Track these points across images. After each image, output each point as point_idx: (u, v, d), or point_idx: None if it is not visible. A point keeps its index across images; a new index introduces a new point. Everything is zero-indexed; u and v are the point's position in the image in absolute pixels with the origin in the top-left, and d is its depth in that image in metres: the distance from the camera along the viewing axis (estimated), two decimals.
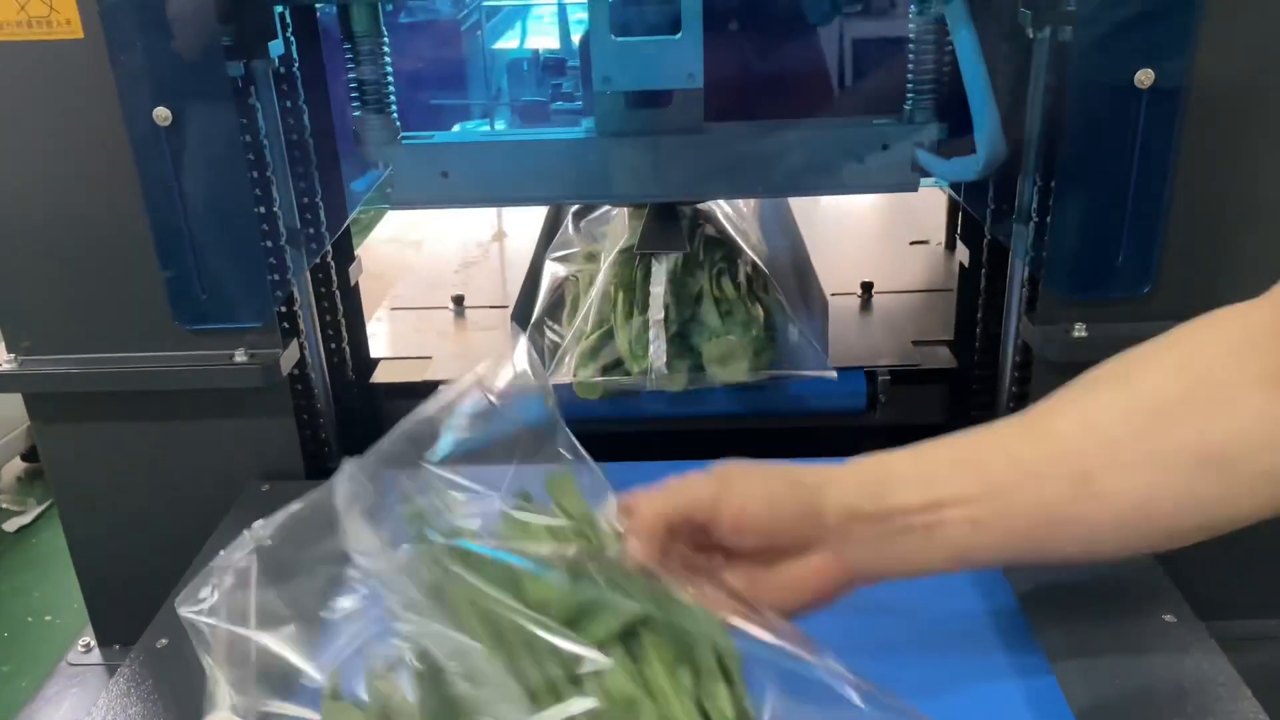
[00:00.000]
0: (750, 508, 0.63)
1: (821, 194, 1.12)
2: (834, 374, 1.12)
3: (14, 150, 0.90)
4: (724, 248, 1.20)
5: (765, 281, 1.19)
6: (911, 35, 1.01)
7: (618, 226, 1.25)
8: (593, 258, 1.23)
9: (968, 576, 0.88)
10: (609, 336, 1.14)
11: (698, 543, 0.65)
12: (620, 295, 1.15)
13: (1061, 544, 0.63)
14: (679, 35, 0.99)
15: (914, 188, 1.05)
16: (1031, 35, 0.91)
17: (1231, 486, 0.59)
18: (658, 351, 1.10)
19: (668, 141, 1.04)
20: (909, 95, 1.04)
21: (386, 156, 1.04)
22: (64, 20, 0.85)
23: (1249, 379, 0.59)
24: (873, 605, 0.79)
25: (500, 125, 1.78)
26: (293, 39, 1.00)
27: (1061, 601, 0.80)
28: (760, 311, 1.16)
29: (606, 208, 1.28)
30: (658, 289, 1.12)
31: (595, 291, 1.16)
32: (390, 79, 1.04)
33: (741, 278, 1.18)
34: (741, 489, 0.64)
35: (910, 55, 1.03)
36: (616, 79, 1.00)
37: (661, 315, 1.10)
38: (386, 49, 1.03)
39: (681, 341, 1.13)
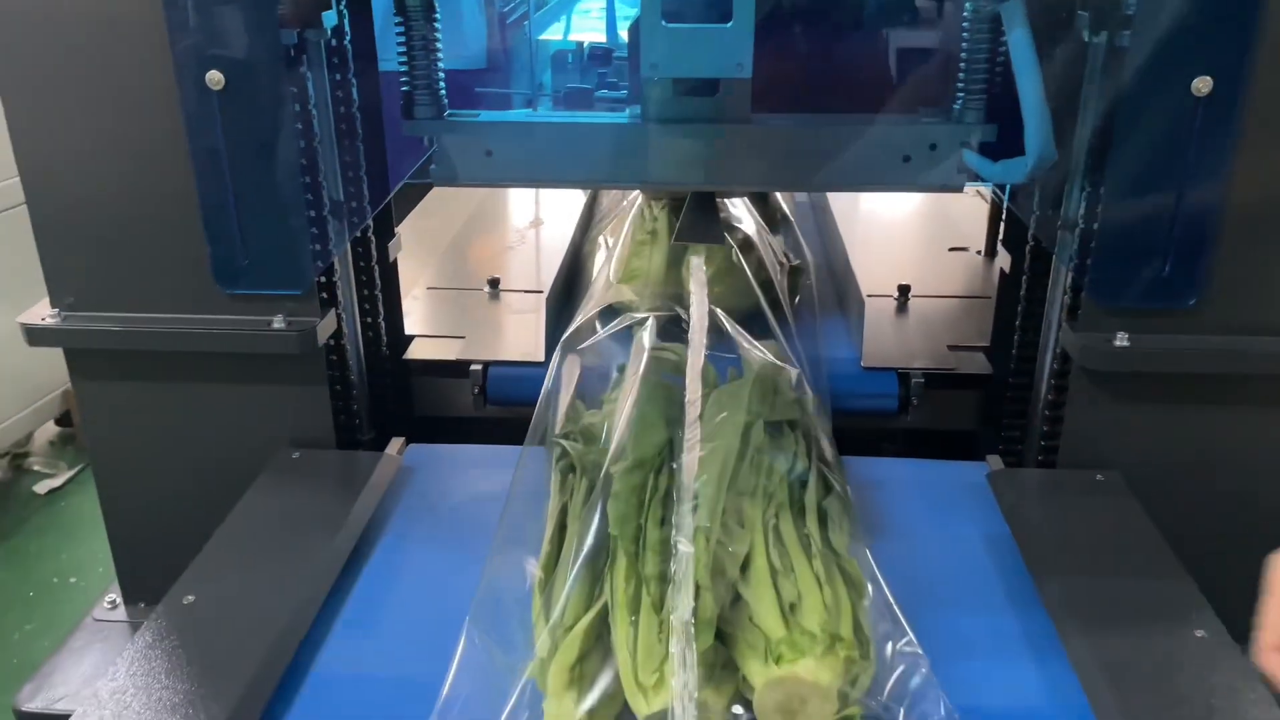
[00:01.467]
0: None
1: (866, 190, 1.07)
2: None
3: (68, 110, 0.91)
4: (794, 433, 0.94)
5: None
6: (964, 34, 1.00)
7: (624, 415, 0.90)
8: (591, 438, 0.93)
9: (997, 586, 0.88)
10: (601, 641, 0.75)
11: None
12: (623, 567, 0.77)
13: None
14: (729, 24, 0.99)
15: (960, 188, 1.03)
16: (1088, 39, 0.90)
17: None
18: (686, 697, 0.69)
19: (713, 130, 1.03)
20: (959, 95, 1.03)
21: (432, 132, 1.04)
22: None
23: None
24: (908, 610, 0.79)
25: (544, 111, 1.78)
26: (345, 11, 1.00)
27: (1092, 615, 0.79)
28: (843, 590, 0.77)
29: (617, 373, 1.05)
30: (685, 555, 0.74)
31: (585, 540, 0.80)
32: (440, 56, 1.04)
33: (811, 496, 0.85)
34: None
35: (962, 54, 1.01)
36: (665, 65, 1.00)
37: (690, 615, 0.71)
38: (438, 26, 1.03)
39: (719, 650, 0.74)
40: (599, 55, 1.58)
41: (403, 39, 1.01)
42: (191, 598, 0.82)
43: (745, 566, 0.77)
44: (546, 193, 1.80)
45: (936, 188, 1.03)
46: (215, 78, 0.88)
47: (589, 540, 0.79)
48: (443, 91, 1.04)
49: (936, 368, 1.19)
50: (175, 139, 0.91)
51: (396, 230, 1.21)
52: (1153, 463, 0.97)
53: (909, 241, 1.63)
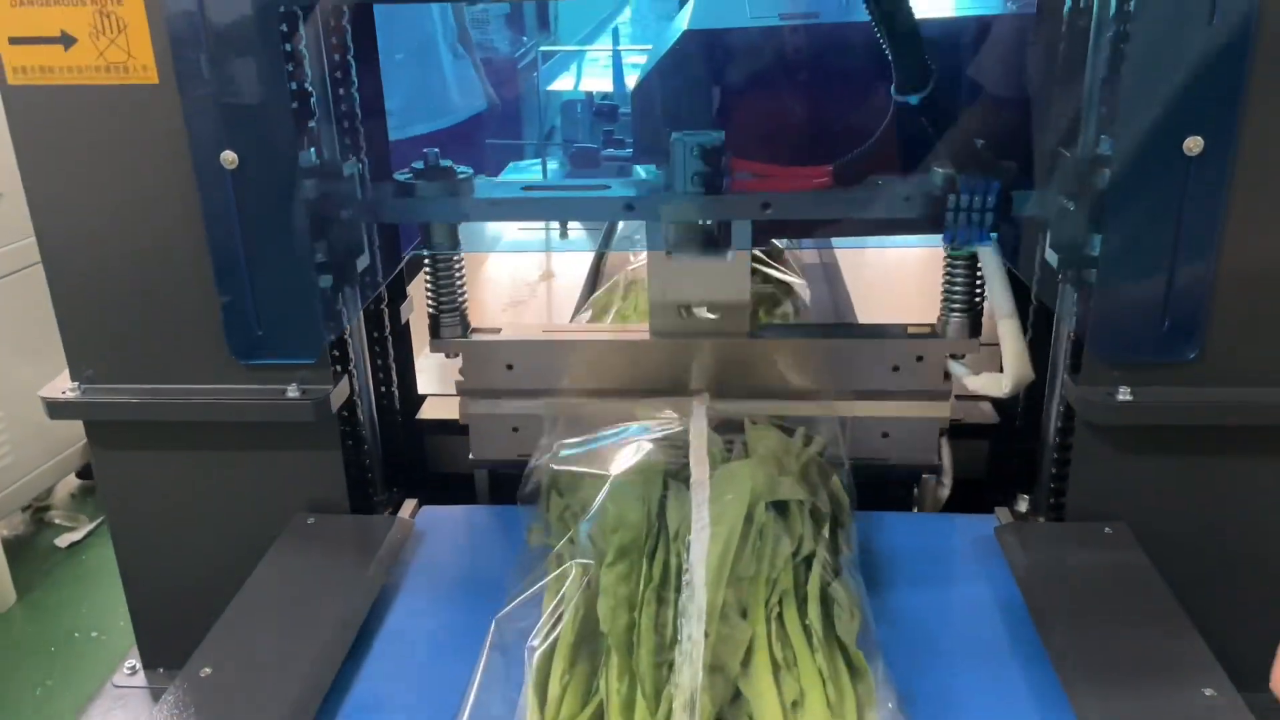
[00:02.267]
0: None
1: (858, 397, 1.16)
2: None
3: (87, 188, 0.94)
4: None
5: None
6: (945, 266, 1.09)
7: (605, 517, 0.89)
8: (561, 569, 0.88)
9: (1005, 642, 0.88)
10: None
11: None
12: (615, 665, 0.78)
13: None
14: (730, 257, 1.07)
15: (946, 396, 1.11)
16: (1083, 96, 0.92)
17: None
18: None
19: (717, 344, 1.10)
20: (942, 310, 1.11)
21: (458, 350, 1.13)
22: (140, 66, 0.89)
23: None
24: (912, 683, 0.80)
25: (552, 166, 1.82)
26: (356, 95, 1.03)
27: (1100, 672, 0.79)
28: (847, 686, 0.77)
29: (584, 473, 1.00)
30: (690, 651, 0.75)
31: (576, 630, 0.81)
32: (464, 289, 1.13)
33: (815, 583, 0.84)
34: None
35: (944, 280, 1.10)
36: (671, 292, 1.09)
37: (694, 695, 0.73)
38: (461, 268, 1.12)
39: None
40: (605, 112, 1.61)
41: (430, 274, 1.11)
42: (209, 669, 0.83)
43: (746, 660, 0.77)
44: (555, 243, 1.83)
45: (924, 396, 1.10)
46: (229, 157, 0.90)
47: (577, 631, 0.81)
48: (465, 311, 1.15)
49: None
50: (191, 217, 0.93)
51: (408, 292, 1.23)
52: (1160, 515, 0.97)
53: (915, 295, 1.64)
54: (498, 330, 1.15)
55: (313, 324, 0.97)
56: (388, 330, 1.18)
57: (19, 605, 2.45)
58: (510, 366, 1.12)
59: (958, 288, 1.09)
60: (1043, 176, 0.99)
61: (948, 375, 1.10)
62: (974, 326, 1.09)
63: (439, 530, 1.07)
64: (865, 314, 1.46)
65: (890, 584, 0.95)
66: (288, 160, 0.92)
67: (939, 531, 1.05)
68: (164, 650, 1.09)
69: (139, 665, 1.10)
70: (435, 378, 1.34)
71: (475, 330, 1.15)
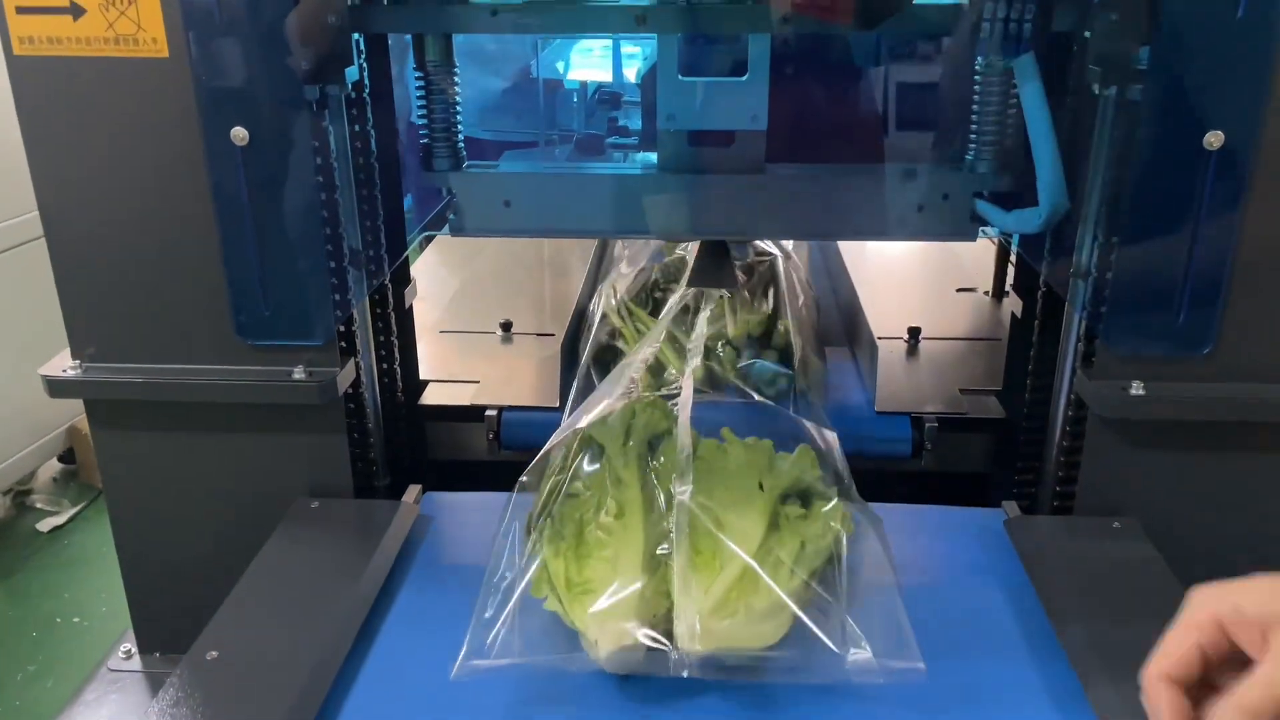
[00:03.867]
0: None
1: (879, 239, 1.08)
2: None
3: (93, 162, 0.92)
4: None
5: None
6: (977, 86, 1.02)
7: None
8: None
9: (1018, 635, 0.88)
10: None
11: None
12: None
13: None
14: (745, 78, 1.00)
15: (973, 238, 1.05)
16: (1098, 92, 0.91)
17: None
18: None
19: (728, 180, 1.05)
20: (971, 146, 1.04)
21: (451, 183, 1.06)
22: (150, 39, 0.88)
23: None
24: (937, 692, 0.79)
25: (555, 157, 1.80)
26: (365, 65, 1.02)
27: (1115, 665, 0.79)
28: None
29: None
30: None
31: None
32: (459, 109, 1.06)
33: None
34: None
35: (974, 106, 1.03)
36: (681, 118, 1.02)
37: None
38: (457, 79, 1.05)
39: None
40: (608, 99, 1.60)
41: (422, 94, 1.02)
42: (215, 653, 0.82)
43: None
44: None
45: (950, 237, 1.04)
46: (240, 134, 0.89)
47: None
48: (461, 144, 1.06)
49: (949, 411, 1.20)
50: (200, 194, 0.92)
51: (413, 276, 1.22)
52: (1170, 510, 0.98)
53: (917, 282, 1.64)
54: (495, 165, 1.09)
55: (322, 306, 0.96)
56: (392, 314, 1.16)
57: (0, 590, 2.42)
58: (508, 203, 1.06)
59: (989, 112, 0.99)
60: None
61: (975, 216, 1.03)
62: (1003, 161, 1.01)
63: (443, 516, 1.06)
64: (860, 286, 1.45)
65: (900, 576, 0.95)
66: (300, 138, 0.90)
67: (948, 524, 1.05)
68: (160, 634, 1.07)
69: (134, 649, 1.08)
70: (437, 363, 1.34)
71: (471, 164, 1.08)
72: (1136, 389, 0.93)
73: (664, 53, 1.01)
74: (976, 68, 0.99)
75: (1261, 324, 0.91)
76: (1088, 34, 0.92)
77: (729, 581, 0.80)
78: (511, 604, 0.82)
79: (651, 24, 0.96)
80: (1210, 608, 0.61)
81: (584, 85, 2.43)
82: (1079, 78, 0.94)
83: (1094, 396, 0.95)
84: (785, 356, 1.22)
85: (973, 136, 1.03)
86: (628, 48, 2.35)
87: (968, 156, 1.04)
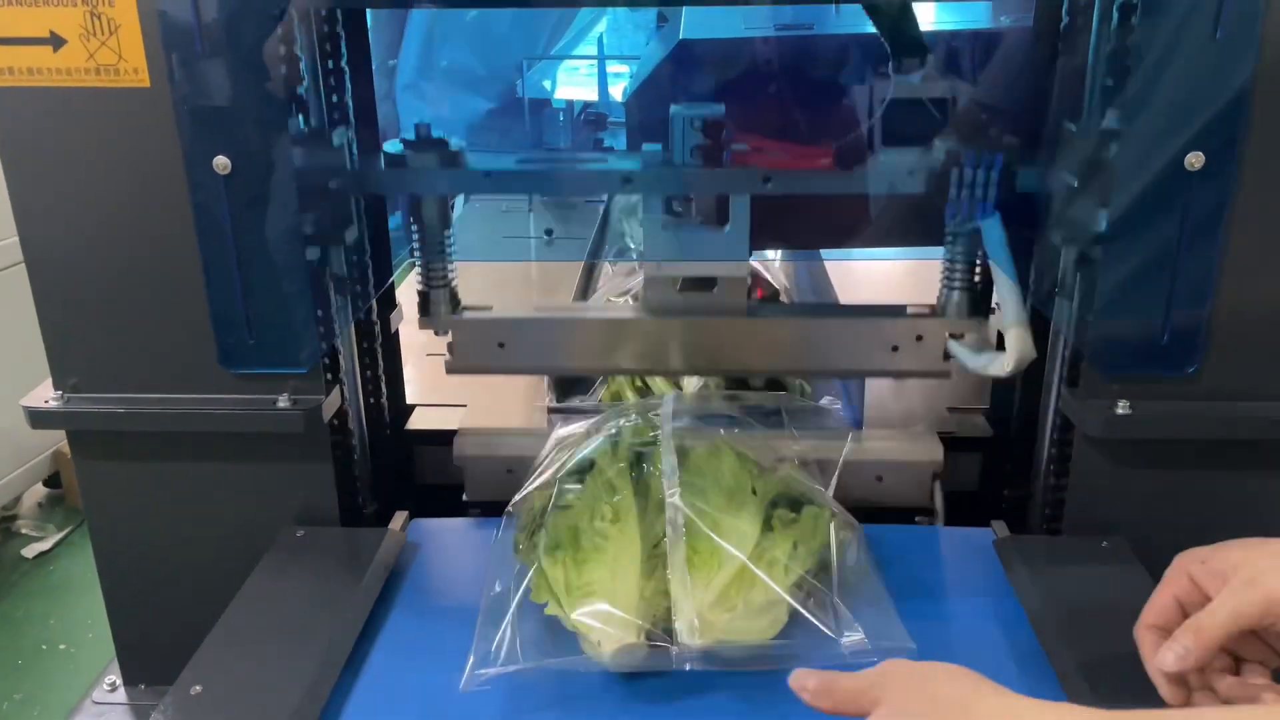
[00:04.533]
0: None
1: (857, 377, 1.14)
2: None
3: (74, 192, 0.92)
4: None
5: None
6: (947, 242, 1.06)
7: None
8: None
9: (1008, 655, 0.88)
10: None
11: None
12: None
13: None
14: (727, 228, 1.04)
15: (947, 375, 1.09)
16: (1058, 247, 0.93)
17: None
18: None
19: (713, 323, 1.08)
20: (942, 289, 1.09)
21: (448, 328, 1.10)
22: (131, 69, 0.87)
23: None
24: None
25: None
26: (350, 99, 1.02)
27: (1105, 684, 0.79)
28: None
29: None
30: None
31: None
32: (453, 264, 1.09)
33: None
34: None
35: (945, 258, 1.07)
36: (667, 265, 1.06)
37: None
38: (451, 236, 1.08)
39: None
40: (594, 119, 1.61)
41: (420, 249, 1.07)
42: (199, 688, 0.81)
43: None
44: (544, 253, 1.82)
45: (923, 374, 1.09)
46: (222, 163, 0.88)
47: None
48: (456, 288, 1.10)
49: (938, 431, 1.19)
50: (182, 223, 0.91)
51: (398, 301, 1.22)
52: (1157, 528, 0.98)
53: (903, 300, 1.64)
54: (489, 308, 1.11)
55: (306, 333, 0.95)
56: (378, 340, 1.16)
57: None
58: (502, 345, 1.09)
59: (959, 264, 1.05)
60: (1048, 152, 0.98)
61: (948, 355, 1.07)
62: (974, 305, 1.06)
63: (429, 543, 1.06)
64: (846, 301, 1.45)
65: (889, 596, 0.95)
66: (282, 166, 0.90)
67: (936, 544, 1.05)
68: (145, 666, 1.06)
69: (119, 681, 1.07)
70: (424, 388, 1.33)
71: (466, 308, 1.11)
72: (1122, 408, 0.93)
73: (650, 210, 1.06)
74: (946, 227, 1.04)
75: (1246, 343, 0.92)
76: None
77: (727, 577, 0.84)
78: (510, 613, 0.85)
79: (638, 186, 1.02)
80: (1184, 565, 0.77)
81: (570, 104, 2.43)
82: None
83: (1080, 416, 0.95)
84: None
85: (944, 284, 1.08)
86: (614, 67, 2.36)
87: (939, 299, 1.09)
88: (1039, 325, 1.08)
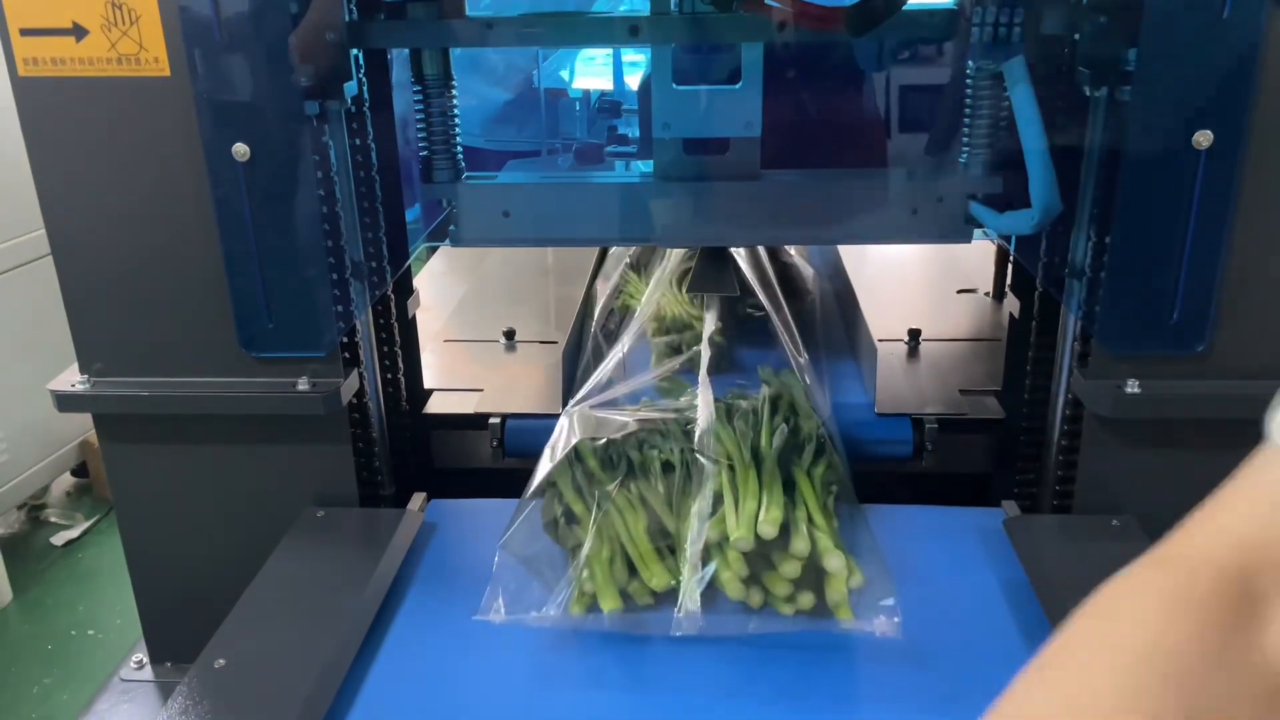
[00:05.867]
0: None
1: (874, 242, 1.09)
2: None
3: (98, 180, 0.94)
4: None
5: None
6: (969, 90, 1.03)
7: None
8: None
9: (1017, 634, 0.88)
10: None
11: None
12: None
13: None
14: (739, 85, 1.01)
15: (967, 240, 1.06)
16: (1089, 94, 0.92)
17: None
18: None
19: (724, 187, 1.06)
20: (964, 148, 1.05)
21: (451, 195, 1.07)
22: (152, 58, 0.89)
23: None
24: (936, 691, 0.80)
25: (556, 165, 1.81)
26: (364, 79, 1.03)
27: None
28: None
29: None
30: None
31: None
32: (457, 121, 1.07)
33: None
34: None
35: (966, 109, 1.04)
36: (676, 126, 1.03)
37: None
38: (454, 92, 1.06)
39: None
40: (609, 107, 1.61)
41: (420, 107, 1.04)
42: (222, 661, 0.83)
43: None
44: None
45: (944, 239, 1.05)
46: (241, 150, 0.90)
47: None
48: (460, 155, 1.07)
49: (949, 413, 1.20)
50: (203, 209, 0.93)
51: (415, 286, 1.23)
52: (1168, 507, 0.97)
53: (918, 283, 1.64)
54: (493, 176, 1.10)
55: (325, 317, 0.97)
56: (395, 324, 1.18)
57: (15, 604, 2.44)
58: (507, 214, 1.07)
59: (981, 115, 1.00)
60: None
61: (969, 219, 1.04)
62: (996, 164, 1.02)
63: (448, 523, 1.07)
64: (861, 288, 1.46)
65: (900, 577, 0.95)
66: (301, 153, 0.91)
67: (948, 524, 1.05)
68: (171, 645, 1.09)
69: (146, 659, 1.10)
70: (441, 372, 1.35)
71: (469, 175, 1.09)
72: (1132, 388, 0.94)
73: (658, 62, 1.02)
74: (968, 72, 1.00)
75: (1254, 321, 0.92)
76: (1077, 36, 0.92)
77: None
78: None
79: (645, 35, 0.98)
80: None
81: (586, 94, 2.44)
82: (1070, 79, 0.95)
83: (1090, 396, 0.96)
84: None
85: (965, 140, 1.03)
86: (629, 56, 2.37)
87: (961, 159, 1.05)
88: (1049, 308, 1.08)
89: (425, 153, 1.07)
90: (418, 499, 1.09)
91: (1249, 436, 0.95)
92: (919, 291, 1.59)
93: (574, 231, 1.09)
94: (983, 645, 0.87)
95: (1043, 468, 1.09)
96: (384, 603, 0.93)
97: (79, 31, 0.89)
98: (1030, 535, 0.98)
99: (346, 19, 0.97)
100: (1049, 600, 0.89)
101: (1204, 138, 0.85)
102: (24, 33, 0.89)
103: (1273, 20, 0.81)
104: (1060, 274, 0.99)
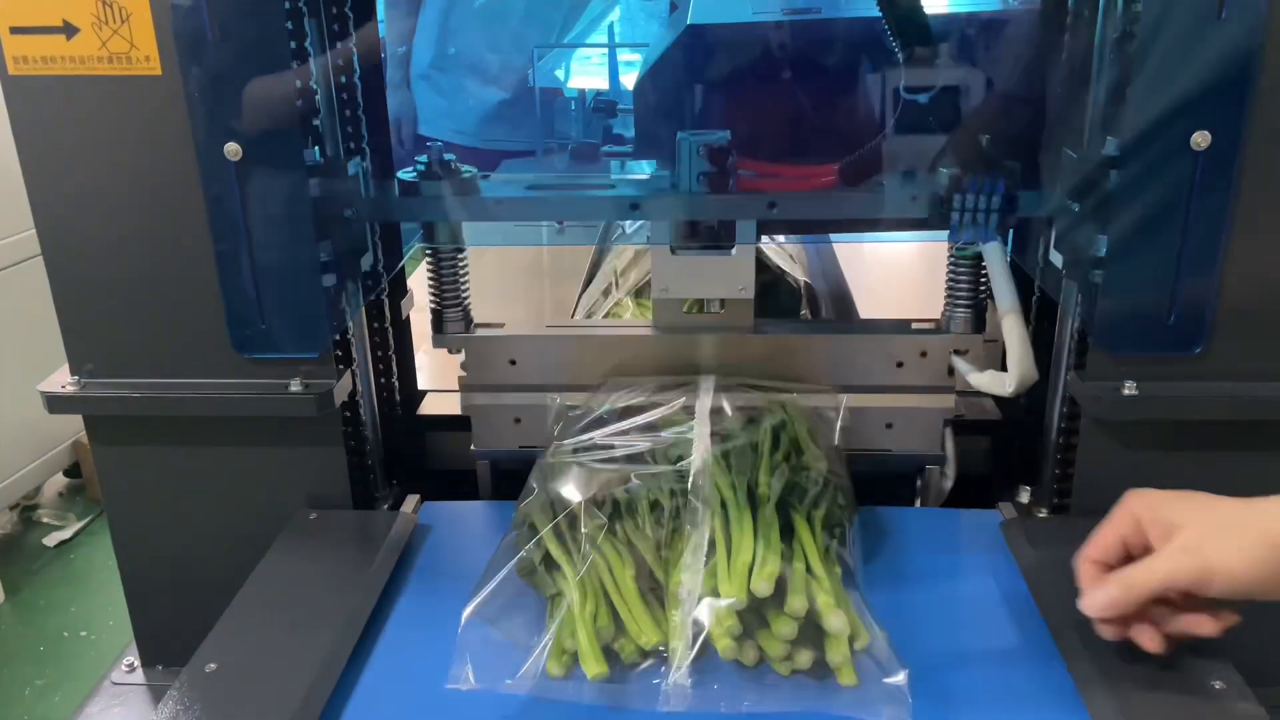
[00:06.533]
0: (1235, 591, 0.72)
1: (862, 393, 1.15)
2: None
3: (88, 180, 0.93)
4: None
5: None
6: (949, 265, 1.09)
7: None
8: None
9: (1014, 636, 0.88)
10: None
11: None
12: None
13: None
14: (733, 253, 1.07)
15: (951, 391, 1.11)
16: (1088, 94, 0.92)
17: None
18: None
19: (720, 339, 1.11)
20: (945, 311, 1.11)
21: (461, 346, 1.13)
22: (143, 57, 0.89)
23: None
24: (923, 663, 0.80)
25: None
26: (359, 83, 1.03)
27: (1109, 667, 0.79)
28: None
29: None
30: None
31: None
32: (467, 285, 1.13)
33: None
34: (1224, 571, 0.71)
35: (948, 279, 1.10)
36: (674, 288, 1.09)
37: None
38: (465, 260, 1.12)
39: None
40: (604, 106, 1.61)
41: (433, 271, 1.10)
42: (214, 665, 0.82)
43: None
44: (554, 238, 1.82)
45: (926, 392, 1.10)
46: (233, 149, 0.89)
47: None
48: (469, 308, 1.14)
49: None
50: (195, 209, 0.92)
51: (409, 287, 1.23)
52: None
53: (915, 285, 1.64)
54: (501, 325, 1.14)
55: (317, 318, 0.97)
56: (389, 325, 1.17)
57: (7, 604, 2.43)
58: (513, 362, 1.12)
59: (962, 284, 1.09)
60: (1049, 177, 0.99)
61: (952, 371, 1.09)
62: (978, 322, 1.09)
63: (442, 525, 1.07)
64: (865, 308, 1.46)
65: (896, 579, 0.95)
66: (292, 152, 0.91)
67: (944, 526, 1.05)
68: (163, 648, 1.08)
69: (137, 662, 1.09)
70: (435, 373, 1.34)
71: (479, 326, 1.14)
72: (1129, 389, 0.93)
73: (656, 234, 1.08)
74: (949, 253, 1.07)
75: (1252, 323, 0.92)
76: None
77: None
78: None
79: (645, 211, 1.04)
80: (1134, 507, 0.77)
81: (582, 94, 2.43)
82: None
83: (1087, 397, 0.95)
84: None
85: (947, 303, 1.10)
86: (624, 55, 2.36)
87: (943, 317, 1.11)
88: (1046, 310, 1.08)
89: (435, 307, 1.13)
90: (411, 501, 1.08)
91: (1246, 438, 0.96)
92: (915, 290, 1.59)
93: (577, 378, 1.12)
94: (979, 649, 0.87)
95: (1040, 470, 1.09)
96: (377, 606, 0.92)
97: (69, 29, 0.88)
98: (1027, 537, 0.98)
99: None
100: (1045, 603, 0.89)
101: (1202, 138, 0.85)
102: (14, 30, 0.88)
103: (1272, 17, 0.81)
104: (1058, 275, 0.99)
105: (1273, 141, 0.85)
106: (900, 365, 1.09)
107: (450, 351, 1.13)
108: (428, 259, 1.11)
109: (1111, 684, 0.78)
